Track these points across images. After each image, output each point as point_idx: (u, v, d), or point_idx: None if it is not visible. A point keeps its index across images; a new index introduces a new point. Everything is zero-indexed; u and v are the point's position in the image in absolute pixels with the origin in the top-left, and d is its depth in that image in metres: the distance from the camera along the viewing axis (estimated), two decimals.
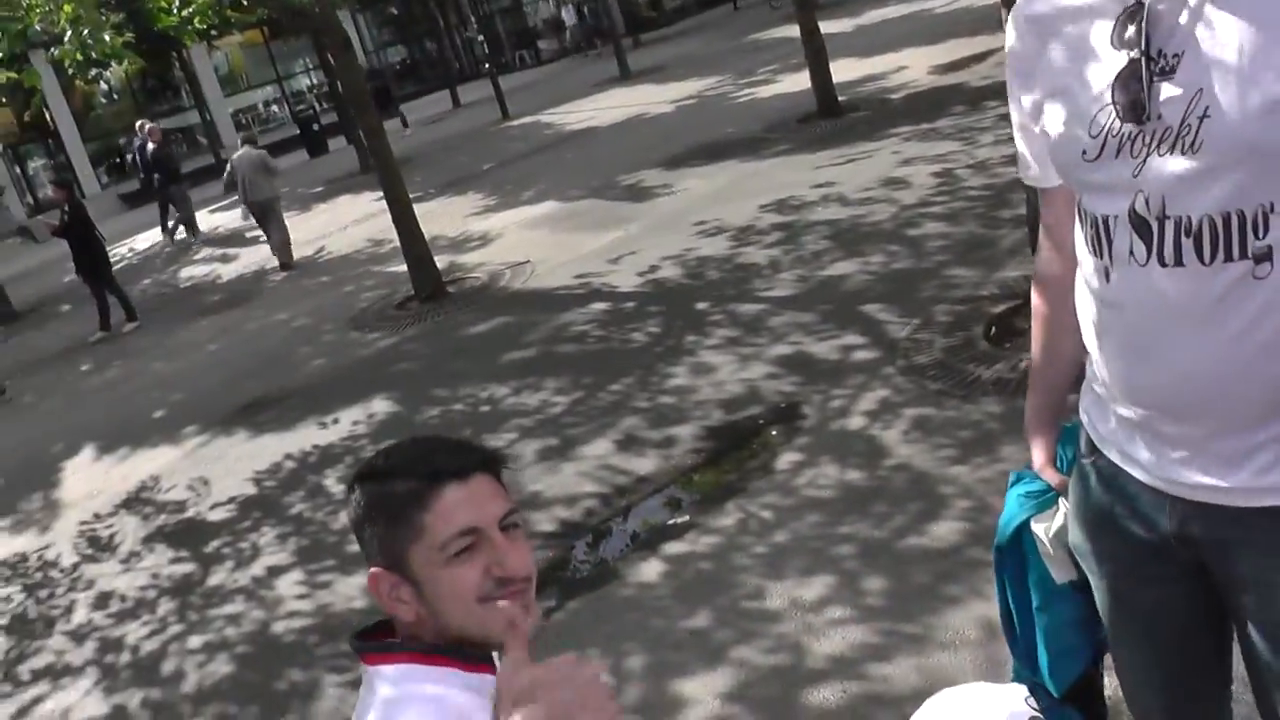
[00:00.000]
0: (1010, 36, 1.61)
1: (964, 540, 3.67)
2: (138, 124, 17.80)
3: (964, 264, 6.11)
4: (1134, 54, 1.39)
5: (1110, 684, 2.05)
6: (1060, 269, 1.72)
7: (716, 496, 4.55)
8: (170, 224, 16.87)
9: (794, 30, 12.40)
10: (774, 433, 4.97)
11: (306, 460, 6.40)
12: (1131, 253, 1.43)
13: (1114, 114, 1.42)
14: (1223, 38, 1.33)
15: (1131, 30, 1.39)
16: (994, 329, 5.23)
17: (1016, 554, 1.88)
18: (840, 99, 11.82)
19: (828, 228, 7.86)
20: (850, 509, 4.13)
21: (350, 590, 4.68)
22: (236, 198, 13.02)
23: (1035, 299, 1.84)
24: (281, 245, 12.48)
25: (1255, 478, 1.46)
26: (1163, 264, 1.40)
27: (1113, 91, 1.41)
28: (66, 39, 9.89)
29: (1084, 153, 1.46)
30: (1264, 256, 1.35)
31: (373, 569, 1.32)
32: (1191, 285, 1.39)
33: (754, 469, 4.68)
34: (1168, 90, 1.37)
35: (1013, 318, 5.16)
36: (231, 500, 6.16)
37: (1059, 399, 1.86)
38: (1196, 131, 1.34)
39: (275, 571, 5.15)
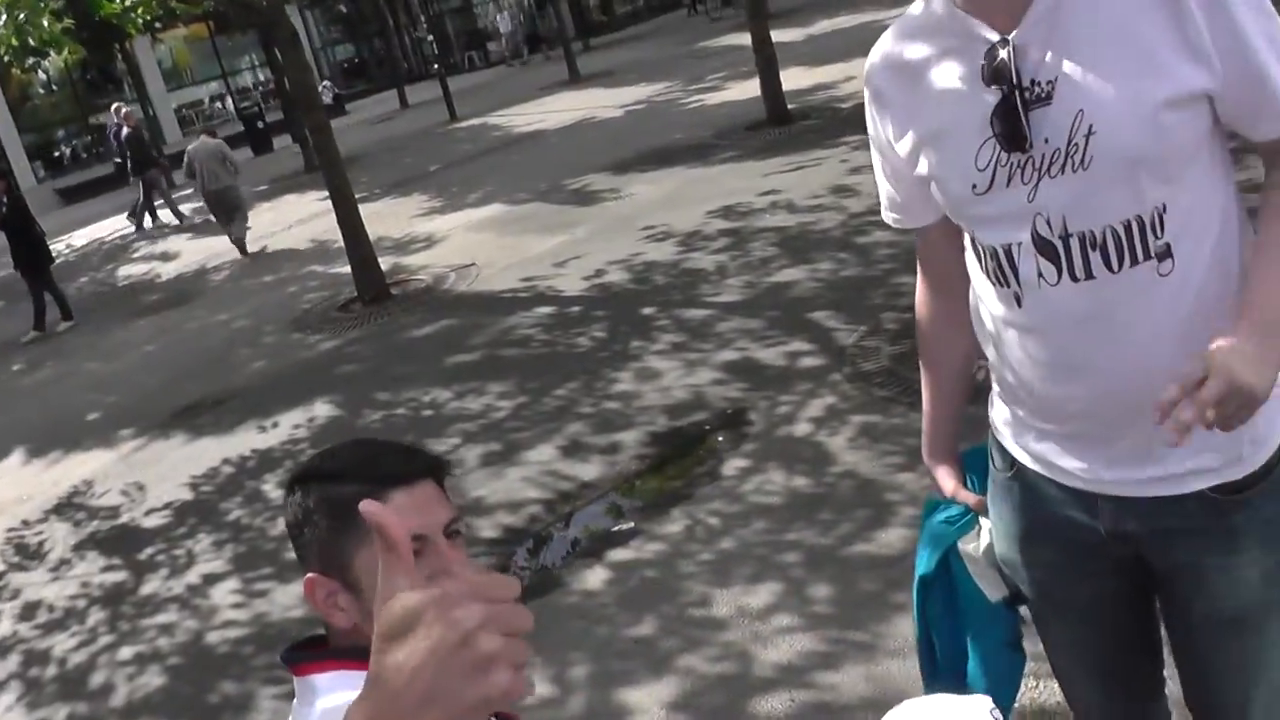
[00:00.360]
0: (871, 87, 1.64)
1: (911, 548, 3.58)
2: (113, 107, 17.58)
3: (911, 272, 5.90)
4: (1006, 87, 1.42)
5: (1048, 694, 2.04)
6: (939, 304, 1.81)
7: (662, 503, 4.51)
8: (150, 209, 16.62)
9: (743, 38, 12.43)
10: (720, 439, 4.94)
11: (245, 465, 6.27)
12: (1040, 275, 1.47)
13: (997, 146, 1.45)
14: (1092, 61, 1.39)
15: (1001, 63, 1.42)
16: None
17: (944, 582, 1.87)
18: (790, 107, 11.85)
19: (776, 234, 7.85)
20: (797, 516, 4.10)
21: (288, 599, 4.58)
22: (193, 189, 13.06)
23: (920, 335, 1.89)
24: (239, 235, 12.55)
25: (1179, 464, 1.52)
26: (1074, 279, 1.46)
27: (992, 125, 1.45)
28: (2, 23, 9.62)
29: (974, 187, 1.49)
30: (1164, 254, 1.43)
31: (310, 574, 1.29)
32: (1103, 294, 1.45)
33: (700, 475, 4.65)
34: (1048, 116, 1.41)
35: None
36: (167, 506, 6.01)
37: (956, 426, 1.91)
38: (1085, 149, 1.40)
39: (210, 580, 5.02)
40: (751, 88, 12.54)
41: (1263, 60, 1.37)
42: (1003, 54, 1.42)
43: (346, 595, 1.28)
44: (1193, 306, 1.45)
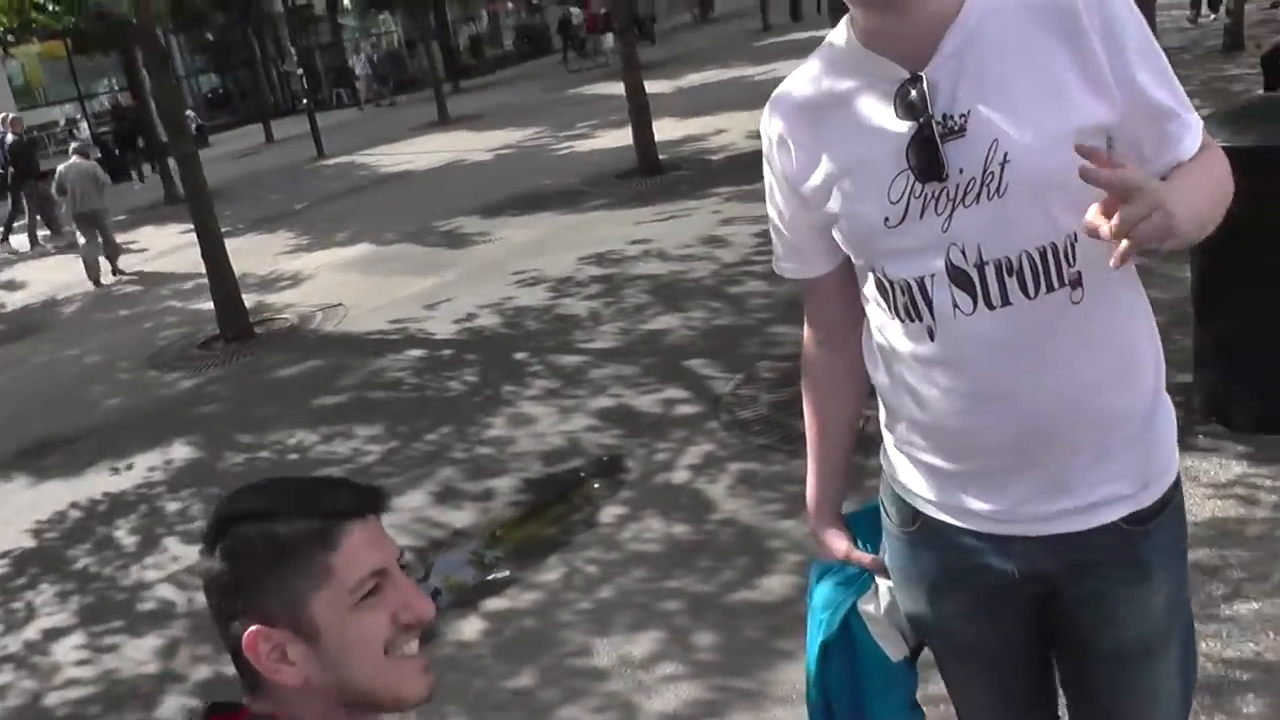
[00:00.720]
0: (773, 129, 1.63)
1: (795, 594, 3.66)
2: (0, 116, 16.62)
3: (786, 322, 6.21)
4: (922, 119, 1.46)
5: None
6: (828, 357, 1.81)
7: (538, 551, 4.44)
8: (19, 225, 15.68)
9: (612, 87, 12.57)
10: (596, 486, 4.91)
11: (95, 509, 5.94)
12: (956, 305, 1.49)
13: (911, 177, 1.47)
14: (1003, 94, 1.44)
15: (914, 99, 1.46)
16: None
17: (845, 644, 1.84)
18: (660, 157, 12.01)
19: (648, 282, 7.91)
20: (677, 563, 4.09)
21: (140, 654, 4.33)
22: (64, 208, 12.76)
23: (807, 389, 1.87)
24: (111, 255, 12.35)
25: (1091, 493, 1.56)
26: (990, 307, 1.48)
27: (907, 157, 1.47)
28: None
29: (886, 220, 1.50)
30: (1076, 282, 1.48)
31: (253, 627, 1.16)
32: (1020, 320, 1.48)
33: (576, 523, 4.60)
34: (962, 147, 1.45)
35: None
36: (5, 555, 5.63)
37: (842, 485, 1.90)
38: (1000, 177, 1.43)
39: (53, 635, 4.68)
40: (622, 136, 12.67)
41: (1158, 94, 1.46)
42: (915, 91, 1.46)
43: (299, 646, 1.17)
44: (1103, 337, 1.52)
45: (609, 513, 4.61)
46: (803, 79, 1.62)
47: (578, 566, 4.22)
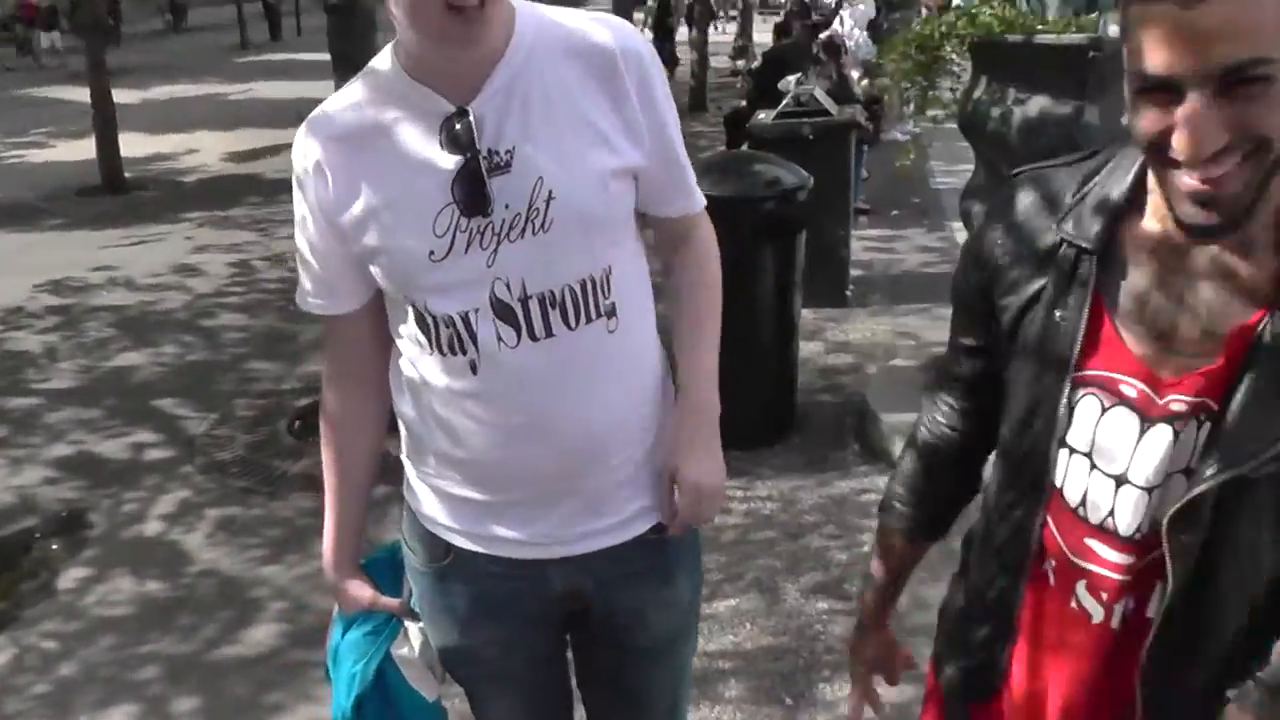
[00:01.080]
0: (309, 156, 1.56)
1: (284, 643, 3.56)
2: None
3: (264, 357, 6.05)
4: (469, 154, 1.47)
5: None
6: (352, 397, 1.76)
7: None
8: None
9: (69, 92, 11.60)
10: (54, 547, 4.44)
11: None
12: (500, 339, 1.51)
13: (457, 212, 1.48)
14: (548, 134, 1.49)
15: (459, 132, 1.47)
16: (298, 423, 5.22)
17: (380, 693, 1.79)
18: (127, 175, 11.23)
19: (113, 314, 7.35)
20: (151, 625, 3.80)
21: None
22: None
23: (328, 434, 1.80)
24: None
25: (623, 510, 1.65)
26: (534, 339, 1.51)
27: (452, 191, 1.47)
28: None
29: (431, 254, 1.49)
30: (611, 312, 1.56)
31: None
32: (562, 352, 1.53)
33: (30, 593, 4.11)
34: (508, 183, 1.48)
35: (318, 412, 5.18)
36: None
37: (362, 533, 1.86)
38: (545, 213, 1.48)
39: None
40: (82, 149, 11.71)
41: (677, 146, 1.61)
42: (461, 124, 1.46)
43: None
44: (636, 361, 1.62)
45: (70, 576, 4.18)
46: (342, 105, 1.56)
47: (31, 644, 3.77)
